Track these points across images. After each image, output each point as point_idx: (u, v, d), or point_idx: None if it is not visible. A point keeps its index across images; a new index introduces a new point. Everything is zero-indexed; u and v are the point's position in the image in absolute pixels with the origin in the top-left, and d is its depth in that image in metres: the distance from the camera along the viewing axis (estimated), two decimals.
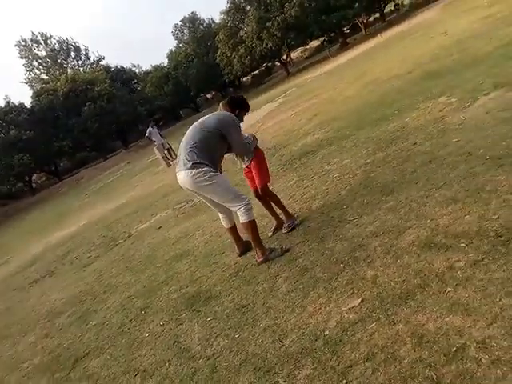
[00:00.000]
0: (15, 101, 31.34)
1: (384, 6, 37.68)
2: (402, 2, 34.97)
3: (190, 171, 2.86)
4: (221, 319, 2.53)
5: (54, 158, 33.52)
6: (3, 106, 29.91)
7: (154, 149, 12.77)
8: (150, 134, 13.25)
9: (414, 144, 3.87)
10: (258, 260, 3.00)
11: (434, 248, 2.18)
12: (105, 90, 30.78)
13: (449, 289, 1.84)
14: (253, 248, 3.06)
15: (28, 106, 31.02)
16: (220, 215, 3.29)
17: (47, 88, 32.79)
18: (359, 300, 2.06)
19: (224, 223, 3.30)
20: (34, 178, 35.66)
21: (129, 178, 15.14)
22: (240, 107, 3.19)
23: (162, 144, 13.02)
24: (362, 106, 6.91)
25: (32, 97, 32.33)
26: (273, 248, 3.06)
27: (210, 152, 2.95)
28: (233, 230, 3.28)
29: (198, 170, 2.84)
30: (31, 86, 42.64)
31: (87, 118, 30.04)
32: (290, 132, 7.82)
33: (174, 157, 12.51)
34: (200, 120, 3.07)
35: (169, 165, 12.08)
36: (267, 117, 12.39)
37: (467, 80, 5.14)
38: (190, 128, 3.04)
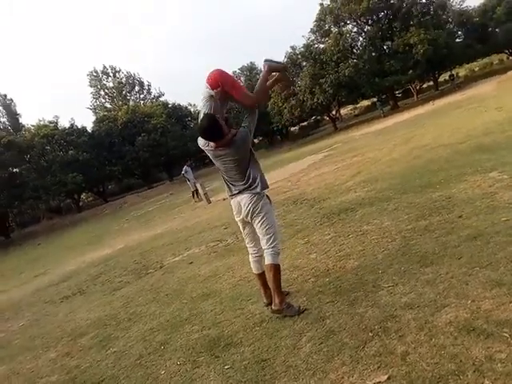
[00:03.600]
0: (78, 124, 33.80)
1: (439, 75, 38.24)
2: (457, 73, 35.31)
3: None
4: (238, 370, 2.47)
5: (104, 181, 35.50)
6: (67, 127, 32.57)
7: (198, 185, 13.23)
8: (185, 172, 14.72)
9: (460, 217, 3.75)
10: (274, 308, 2.96)
11: (473, 333, 2.05)
12: (160, 124, 32.77)
13: (486, 382, 1.71)
14: (275, 292, 2.99)
15: (89, 130, 33.54)
16: (252, 258, 3.25)
17: (108, 116, 35.50)
18: (386, 376, 1.95)
19: (254, 268, 3.25)
20: (82, 196, 37.78)
21: (169, 209, 15.63)
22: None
23: (195, 182, 14.25)
24: (407, 170, 6.85)
25: (94, 122, 35.09)
26: (291, 304, 3.01)
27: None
28: (262, 276, 3.22)
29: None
30: (95, 113, 46.42)
31: (140, 147, 31.91)
32: (332, 186, 7.85)
33: (197, 199, 13.82)
34: None
35: (209, 202, 12.39)
36: (310, 168, 12.55)
37: None
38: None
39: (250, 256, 3.29)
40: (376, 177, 7.20)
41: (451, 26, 32.13)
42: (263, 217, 2.97)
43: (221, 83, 2.89)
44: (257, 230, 3.05)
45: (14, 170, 28.74)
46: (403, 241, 3.65)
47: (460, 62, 35.31)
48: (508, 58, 40.39)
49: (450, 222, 3.73)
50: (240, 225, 3.19)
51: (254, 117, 3.03)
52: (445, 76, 40.57)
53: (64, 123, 33.38)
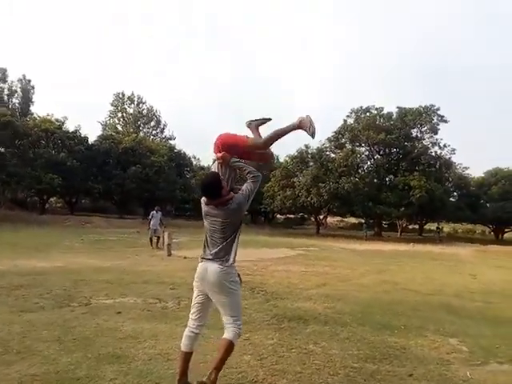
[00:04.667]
0: (83, 132, 33.74)
1: (425, 223, 40.06)
2: (442, 227, 36.99)
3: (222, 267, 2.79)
4: None
5: (80, 194, 34.50)
6: (71, 131, 32.56)
7: (165, 234, 12.78)
8: (152, 217, 14.27)
9: (410, 375, 3.44)
10: (205, 380, 2.62)
11: None
12: (158, 163, 32.91)
13: None
14: (214, 369, 2.67)
15: (89, 142, 33.49)
16: (187, 332, 2.87)
17: (115, 136, 35.78)
18: None
19: (185, 344, 2.84)
20: (52, 200, 36.34)
21: (128, 245, 14.88)
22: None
23: (155, 230, 14.05)
24: (373, 301, 6.64)
25: (98, 136, 35.16)
26: None
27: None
28: (188, 357, 2.85)
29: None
30: (103, 129, 46.91)
31: (130, 176, 31.59)
32: (294, 287, 7.53)
33: (158, 247, 13.66)
34: None
35: (169, 254, 11.83)
36: (281, 260, 12.28)
37: (483, 336, 4.84)
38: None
39: (186, 329, 2.91)
40: (340, 295, 6.94)
41: (449, 185, 34.48)
42: (231, 294, 2.79)
43: (222, 148, 2.87)
44: (219, 306, 2.85)
45: (1, 149, 28.04)
46: (345, 380, 3.29)
47: (448, 219, 37.23)
48: (490, 233, 42.75)
49: (398, 377, 3.41)
50: (195, 292, 2.92)
51: (256, 184, 2.86)
52: (431, 226, 42.50)
53: (70, 127, 33.42)
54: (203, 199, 2.88)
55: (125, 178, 31.69)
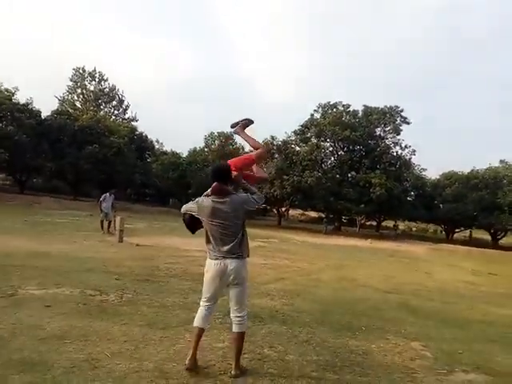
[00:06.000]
0: (36, 105, 31.16)
1: (383, 220, 41.31)
2: (398, 225, 38.27)
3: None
4: None
5: (30, 172, 32.10)
6: (22, 103, 30.02)
7: (117, 218, 11.90)
8: (103, 199, 13.28)
9: None
10: (234, 372, 3.00)
11: None
12: (117, 144, 31.23)
13: None
14: (236, 358, 3.07)
15: (42, 117, 31.10)
16: (204, 311, 3.12)
17: (70, 113, 33.50)
18: None
19: (201, 322, 3.09)
20: None
21: (77, 229, 13.78)
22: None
23: (106, 214, 13.11)
24: (332, 299, 6.36)
25: (52, 111, 32.71)
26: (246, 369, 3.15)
27: None
28: (201, 333, 3.11)
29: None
30: (61, 105, 43.89)
31: (86, 156, 29.74)
32: (251, 282, 7.04)
33: (110, 231, 12.78)
34: None
35: (121, 240, 11.01)
36: None
37: (445, 339, 4.65)
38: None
39: (200, 309, 3.15)
40: (299, 291, 6.61)
41: (407, 185, 35.56)
42: (244, 285, 3.12)
43: (235, 169, 3.19)
44: (233, 297, 3.09)
45: None
46: None
47: (404, 217, 38.52)
48: (441, 232, 44.86)
49: None
50: (211, 286, 3.09)
51: (259, 202, 3.16)
52: (388, 223, 43.88)
53: (21, 99, 30.78)
54: (204, 199, 3.08)
55: (80, 157, 29.75)
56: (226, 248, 3.01)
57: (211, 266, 3.06)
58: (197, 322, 3.09)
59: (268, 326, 4.51)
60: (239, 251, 3.03)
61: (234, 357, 3.06)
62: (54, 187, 36.27)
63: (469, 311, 6.41)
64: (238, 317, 3.07)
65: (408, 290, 7.76)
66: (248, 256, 3.11)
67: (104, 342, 3.41)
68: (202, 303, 3.16)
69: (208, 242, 3.11)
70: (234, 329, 3.08)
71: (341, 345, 4.06)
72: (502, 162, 37.02)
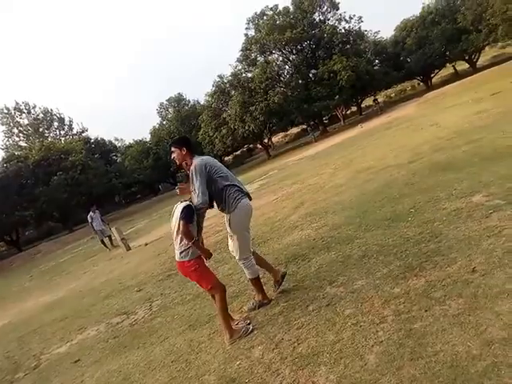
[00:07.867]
0: None
1: (361, 101, 40.27)
2: (377, 98, 37.30)
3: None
4: None
5: (16, 228, 30.82)
6: None
7: (113, 229, 11.12)
8: (91, 219, 12.62)
9: (473, 270, 2.46)
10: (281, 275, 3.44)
11: None
12: (79, 161, 29.53)
13: None
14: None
15: None
16: (254, 261, 3.28)
17: (17, 156, 31.33)
18: None
19: (256, 272, 3.27)
20: None
21: (83, 259, 13.08)
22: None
23: (101, 231, 12.56)
24: (360, 197, 5.69)
25: (1, 162, 30.63)
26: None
27: None
28: (258, 277, 3.32)
29: None
30: (6, 152, 41.12)
31: (56, 187, 28.26)
32: (273, 222, 6.43)
33: (114, 244, 12.04)
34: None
35: (128, 248, 10.33)
36: None
37: (501, 176, 4.01)
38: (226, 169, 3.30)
39: (250, 261, 3.24)
40: (324, 208, 5.94)
41: (369, 55, 33.98)
42: (234, 236, 3.27)
43: None
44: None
45: None
46: (402, 327, 2.23)
47: (380, 88, 37.42)
48: (419, 84, 43.93)
49: (463, 281, 2.41)
50: (247, 231, 3.23)
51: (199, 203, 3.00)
52: (366, 102, 42.87)
53: None
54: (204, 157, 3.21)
55: (52, 191, 28.31)
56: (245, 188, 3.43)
57: (248, 209, 3.25)
58: (254, 273, 3.26)
59: (314, 259, 3.87)
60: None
61: (273, 272, 3.47)
62: (49, 229, 35.25)
63: (501, 139, 5.74)
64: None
65: (428, 151, 7.08)
66: (250, 199, 3.30)
67: (149, 377, 2.78)
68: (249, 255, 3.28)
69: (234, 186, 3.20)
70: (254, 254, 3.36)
71: (401, 240, 3.42)
72: None
